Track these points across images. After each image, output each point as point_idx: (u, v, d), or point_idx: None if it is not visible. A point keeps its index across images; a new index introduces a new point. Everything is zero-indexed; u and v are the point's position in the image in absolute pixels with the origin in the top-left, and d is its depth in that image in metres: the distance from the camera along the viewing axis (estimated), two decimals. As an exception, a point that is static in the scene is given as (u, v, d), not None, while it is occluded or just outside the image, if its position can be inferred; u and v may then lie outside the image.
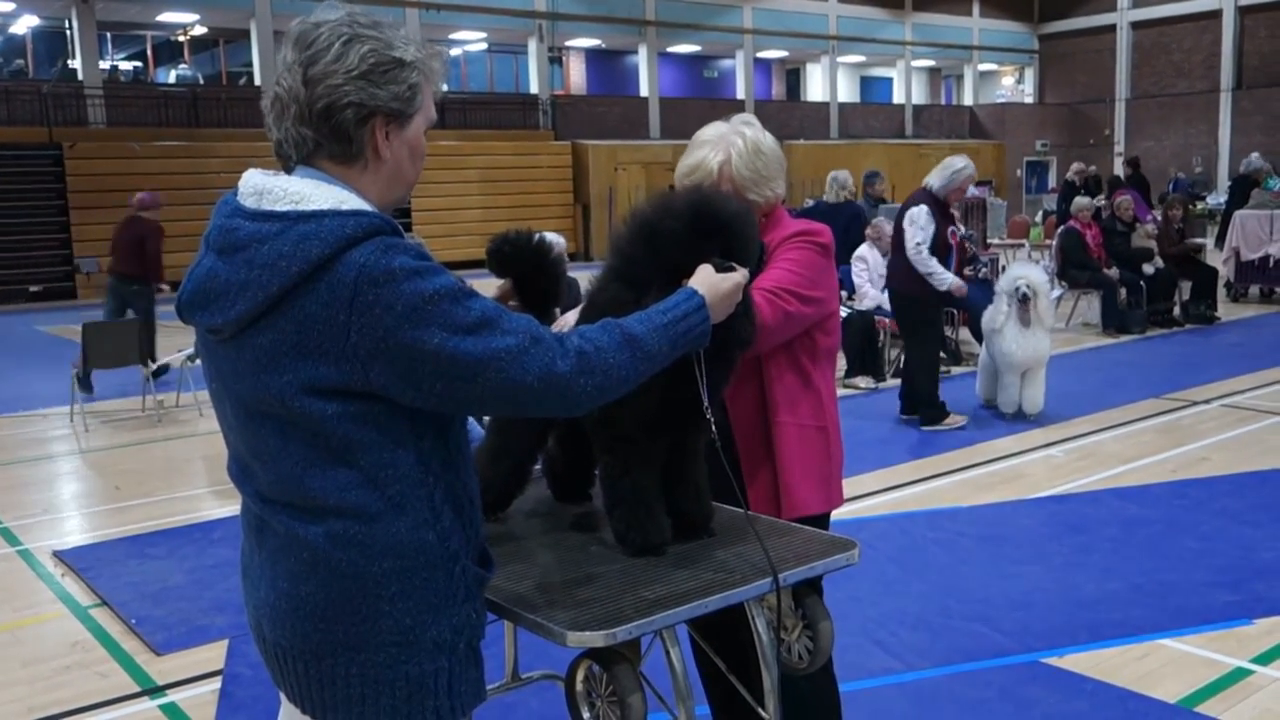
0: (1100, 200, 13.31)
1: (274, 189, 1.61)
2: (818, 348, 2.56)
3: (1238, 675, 3.66)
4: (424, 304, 1.54)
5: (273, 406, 1.60)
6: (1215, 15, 31.23)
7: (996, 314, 7.46)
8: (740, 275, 1.92)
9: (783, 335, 2.45)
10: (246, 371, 1.61)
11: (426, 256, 1.59)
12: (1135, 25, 32.95)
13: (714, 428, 2.04)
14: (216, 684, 3.84)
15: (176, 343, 9.68)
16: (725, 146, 2.48)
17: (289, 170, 1.68)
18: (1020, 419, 7.51)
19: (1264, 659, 3.77)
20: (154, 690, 3.84)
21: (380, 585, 1.63)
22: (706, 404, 2.01)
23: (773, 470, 2.52)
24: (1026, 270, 7.53)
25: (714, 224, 1.97)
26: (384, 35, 1.65)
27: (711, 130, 2.55)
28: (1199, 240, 12.38)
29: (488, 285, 2.61)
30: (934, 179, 7.21)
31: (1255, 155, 15.71)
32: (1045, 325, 7.37)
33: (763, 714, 2.14)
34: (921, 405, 7.34)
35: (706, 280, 1.87)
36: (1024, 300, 7.23)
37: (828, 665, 2.67)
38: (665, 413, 2.03)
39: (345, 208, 1.59)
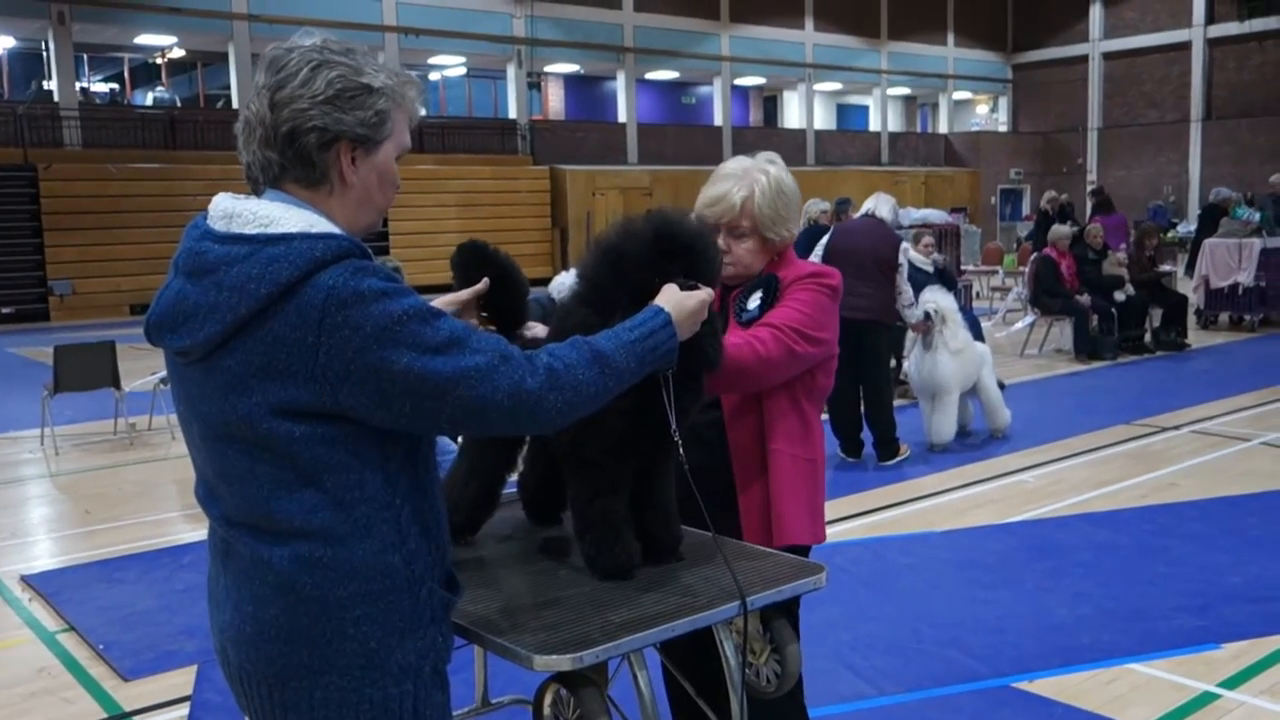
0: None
1: (243, 212, 1.62)
2: (815, 387, 2.59)
3: (1205, 699, 3.69)
4: (393, 325, 1.55)
5: (241, 429, 1.60)
6: (1185, 47, 31.71)
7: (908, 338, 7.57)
8: (705, 293, 1.95)
9: (786, 372, 2.47)
10: (215, 393, 1.61)
11: (395, 279, 1.60)
12: (1107, 56, 33.41)
13: (682, 451, 2.06)
14: (185, 710, 3.80)
15: (148, 366, 9.62)
16: (750, 183, 2.50)
17: (259, 193, 1.69)
18: (993, 443, 7.57)
19: (1231, 683, 3.80)
20: (121, 717, 3.80)
21: (345, 608, 1.63)
22: (675, 428, 2.03)
23: (765, 497, 2.55)
24: (935, 295, 7.56)
25: (676, 244, 2.00)
26: (354, 62, 1.66)
27: (736, 164, 2.57)
28: (1166, 268, 12.52)
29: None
30: (888, 213, 7.27)
31: (1224, 190, 15.97)
32: (951, 350, 7.32)
33: (730, 738, 2.14)
34: (889, 439, 7.21)
35: (672, 298, 1.90)
36: (927, 320, 7.28)
37: (797, 690, 2.68)
38: (634, 437, 2.05)
39: (314, 231, 1.60)
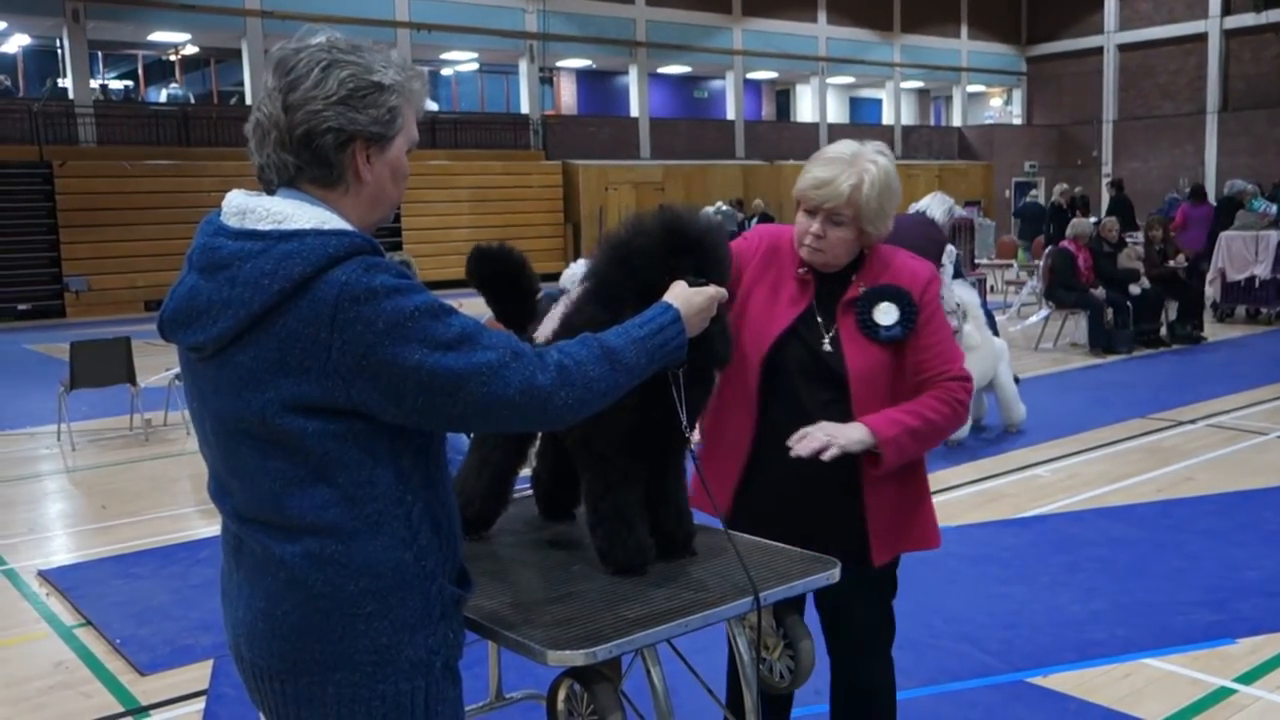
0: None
1: (257, 209, 1.63)
2: None
3: (1221, 694, 3.67)
4: (405, 320, 1.56)
5: (253, 425, 1.60)
6: (1201, 39, 31.50)
7: None
8: (713, 290, 1.94)
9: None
10: (227, 389, 1.62)
11: (406, 275, 1.60)
12: (1122, 48, 33.20)
13: (692, 447, 2.08)
14: (201, 704, 3.82)
15: (164, 362, 9.66)
16: (859, 171, 2.41)
17: (271, 193, 1.70)
18: (1008, 438, 7.54)
19: (1247, 678, 3.78)
20: (138, 711, 3.82)
21: (356, 604, 1.63)
22: (685, 424, 2.03)
23: (898, 502, 2.55)
24: (961, 290, 7.52)
25: (686, 241, 2.00)
26: (363, 59, 1.66)
27: (844, 148, 2.47)
28: (1173, 265, 12.43)
29: (476, 304, 2.62)
30: (940, 215, 7.15)
31: (1239, 180, 15.86)
32: (971, 345, 7.28)
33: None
34: None
35: (681, 295, 1.90)
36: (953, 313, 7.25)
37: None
38: (646, 434, 2.05)
39: (327, 227, 1.60)
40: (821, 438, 2.31)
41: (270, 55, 1.70)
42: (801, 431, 2.34)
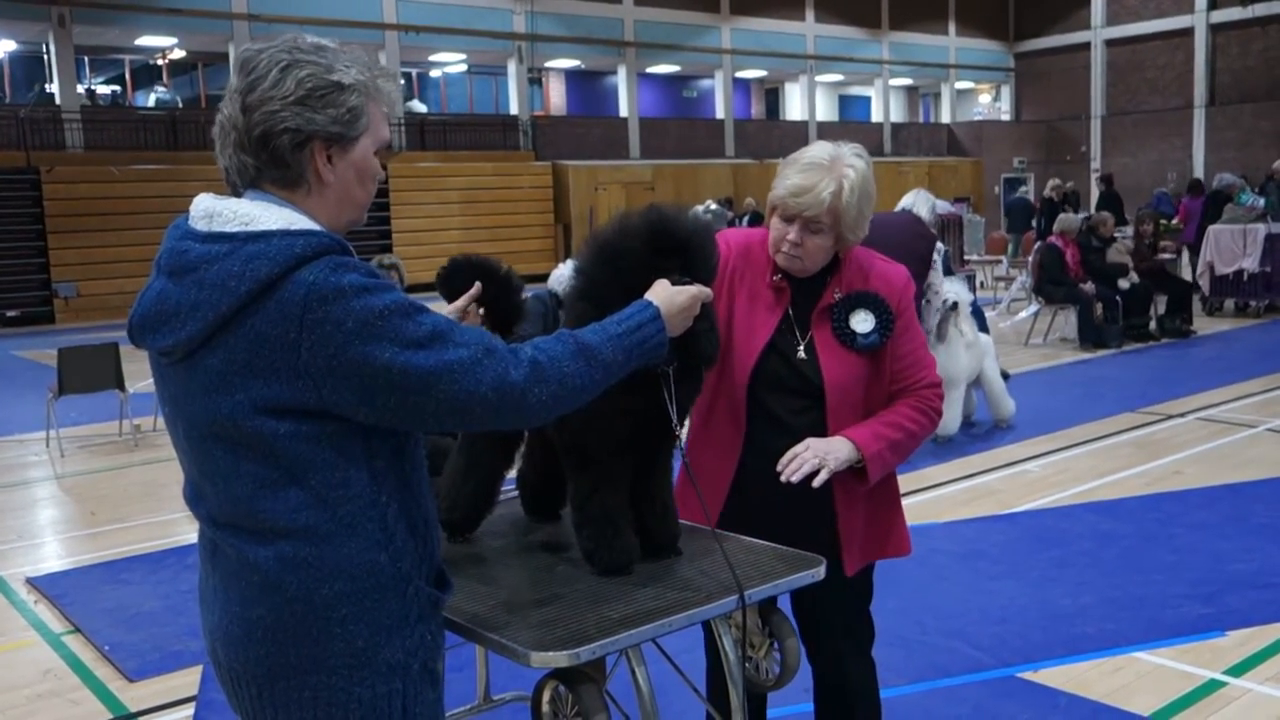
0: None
1: (224, 211, 1.62)
2: None
3: (1211, 687, 3.68)
4: (374, 319, 1.54)
5: (225, 428, 1.59)
6: (1187, 33, 31.59)
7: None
8: (696, 289, 1.93)
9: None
10: (198, 393, 1.61)
11: (375, 274, 1.59)
12: (1109, 43, 33.28)
13: (683, 447, 2.08)
14: (190, 710, 3.81)
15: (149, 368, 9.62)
16: (839, 177, 2.33)
17: (238, 196, 1.68)
18: (997, 434, 7.55)
19: (1237, 671, 3.79)
20: (127, 717, 3.81)
21: (331, 608, 1.62)
22: (675, 422, 2.03)
23: (871, 509, 2.55)
24: (955, 287, 7.55)
25: (672, 242, 1.99)
26: (324, 59, 1.65)
27: (822, 151, 2.38)
28: (1165, 256, 12.46)
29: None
30: (926, 213, 7.20)
31: (1226, 174, 15.93)
32: (965, 341, 7.32)
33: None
34: None
35: (662, 293, 1.89)
36: (951, 310, 7.26)
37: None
38: (636, 434, 2.05)
39: (295, 228, 1.59)
40: (813, 461, 2.28)
41: (236, 56, 1.69)
42: (792, 452, 2.30)
